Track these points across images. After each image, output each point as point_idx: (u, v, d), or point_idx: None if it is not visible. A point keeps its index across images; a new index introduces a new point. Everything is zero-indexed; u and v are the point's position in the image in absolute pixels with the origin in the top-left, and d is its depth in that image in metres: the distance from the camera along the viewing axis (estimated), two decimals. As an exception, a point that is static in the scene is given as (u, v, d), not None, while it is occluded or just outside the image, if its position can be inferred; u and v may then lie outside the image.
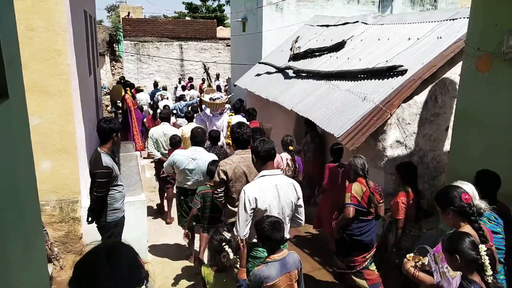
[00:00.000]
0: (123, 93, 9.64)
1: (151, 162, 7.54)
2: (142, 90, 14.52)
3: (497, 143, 4.16)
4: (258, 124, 6.94)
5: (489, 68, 4.19)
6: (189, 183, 4.93)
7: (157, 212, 6.99)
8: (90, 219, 4.11)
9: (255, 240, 3.09)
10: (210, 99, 8.41)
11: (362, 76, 6.70)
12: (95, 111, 7.49)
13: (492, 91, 4.21)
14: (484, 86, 4.28)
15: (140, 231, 5.23)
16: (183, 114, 10.40)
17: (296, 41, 10.72)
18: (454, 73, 5.71)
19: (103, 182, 3.89)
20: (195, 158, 4.89)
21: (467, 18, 4.79)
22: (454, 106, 5.38)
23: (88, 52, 6.78)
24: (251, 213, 3.17)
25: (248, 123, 6.06)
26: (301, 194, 3.41)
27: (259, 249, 3.23)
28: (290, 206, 3.33)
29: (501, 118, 4.12)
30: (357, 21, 9.27)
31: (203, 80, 19.67)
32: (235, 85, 12.48)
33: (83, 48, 6.18)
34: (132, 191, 5.32)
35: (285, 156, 5.55)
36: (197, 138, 5.01)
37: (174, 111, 11.58)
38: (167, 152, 6.53)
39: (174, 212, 6.22)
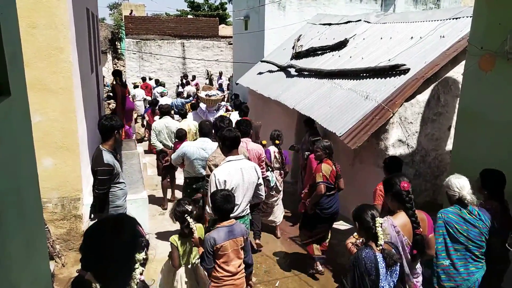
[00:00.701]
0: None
1: (154, 152, 7.93)
2: (138, 86, 15.02)
3: (499, 142, 4.15)
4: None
5: (492, 67, 4.17)
6: (202, 170, 5.12)
7: (159, 211, 7.00)
8: (92, 216, 4.12)
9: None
10: (206, 95, 9.36)
11: (364, 75, 6.68)
12: (97, 108, 7.50)
13: (495, 90, 4.19)
14: (487, 85, 4.27)
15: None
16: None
17: (298, 40, 10.71)
18: (457, 72, 5.69)
19: (104, 180, 3.89)
20: (205, 148, 5.13)
21: (470, 17, 4.77)
22: (457, 105, 5.37)
23: (90, 50, 6.78)
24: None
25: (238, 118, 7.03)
26: (260, 174, 4.06)
27: None
28: (252, 186, 3.93)
29: (504, 117, 4.10)
30: (360, 20, 9.25)
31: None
32: (237, 84, 12.47)
33: (85, 46, 6.18)
34: (134, 189, 5.33)
35: (273, 149, 5.88)
36: (204, 130, 5.34)
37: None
38: (168, 143, 7.17)
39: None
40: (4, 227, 1.54)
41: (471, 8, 4.99)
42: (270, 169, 5.76)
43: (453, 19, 6.56)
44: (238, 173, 3.79)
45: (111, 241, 1.55)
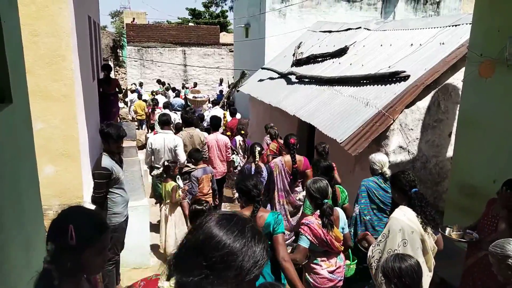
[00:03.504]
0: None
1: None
2: (135, 91, 15.70)
3: (500, 148, 4.15)
4: (237, 121, 9.35)
5: (492, 73, 4.19)
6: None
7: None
8: None
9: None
10: (194, 97, 12.42)
11: (364, 81, 6.70)
12: (98, 116, 7.52)
13: (495, 97, 4.20)
14: (487, 92, 4.28)
15: (143, 236, 5.22)
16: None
17: (298, 47, 10.76)
18: (457, 79, 5.70)
19: (100, 183, 3.88)
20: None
21: (470, 24, 4.80)
22: (457, 112, 5.38)
23: (91, 58, 6.82)
24: (150, 151, 5.95)
25: (230, 118, 9.70)
26: (178, 143, 5.89)
27: None
28: (171, 149, 5.88)
29: (504, 123, 4.11)
30: (360, 27, 9.30)
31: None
32: (238, 91, 12.50)
33: (87, 53, 6.22)
34: (135, 196, 5.32)
35: (238, 138, 7.86)
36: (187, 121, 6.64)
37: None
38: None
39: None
40: (5, 233, 1.54)
41: (470, 15, 5.02)
42: (236, 153, 7.55)
43: (452, 26, 6.59)
44: (162, 140, 5.89)
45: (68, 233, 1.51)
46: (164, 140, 5.90)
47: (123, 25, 23.58)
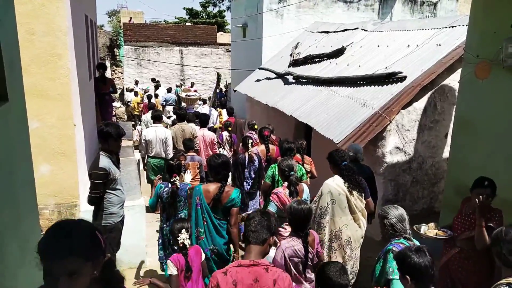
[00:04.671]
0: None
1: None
2: (132, 90, 16.32)
3: (496, 149, 4.17)
4: (234, 119, 9.52)
5: (488, 75, 4.21)
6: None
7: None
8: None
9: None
10: (186, 95, 12.70)
11: (361, 82, 6.72)
12: (95, 115, 7.49)
13: (491, 98, 4.22)
14: (483, 93, 4.30)
15: (139, 235, 5.21)
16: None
17: (296, 47, 10.76)
18: (453, 80, 5.73)
19: (97, 183, 3.87)
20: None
21: (466, 25, 4.81)
22: (454, 112, 5.40)
23: (88, 57, 6.79)
24: (144, 142, 6.80)
25: (227, 116, 10.12)
26: (168, 135, 6.87)
27: None
28: (162, 140, 6.76)
29: (500, 124, 4.12)
30: (357, 28, 9.32)
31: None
32: (234, 91, 12.50)
33: (84, 53, 6.20)
34: (131, 196, 5.31)
35: (225, 134, 8.25)
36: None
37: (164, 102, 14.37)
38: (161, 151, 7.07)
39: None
40: (0, 231, 1.53)
41: (467, 16, 5.04)
42: (222, 147, 8.05)
43: (449, 27, 6.61)
44: (154, 132, 6.81)
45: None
46: (156, 133, 6.83)
47: (120, 24, 23.48)
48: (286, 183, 3.98)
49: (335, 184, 3.86)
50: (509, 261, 2.45)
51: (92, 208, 4.08)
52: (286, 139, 6.08)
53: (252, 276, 2.27)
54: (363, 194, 3.94)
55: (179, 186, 4.55)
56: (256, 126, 7.45)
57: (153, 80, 18.90)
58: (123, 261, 4.94)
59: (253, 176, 5.64)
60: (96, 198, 3.93)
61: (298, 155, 5.50)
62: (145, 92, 15.97)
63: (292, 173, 3.97)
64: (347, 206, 3.84)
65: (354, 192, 3.86)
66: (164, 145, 6.85)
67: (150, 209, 5.15)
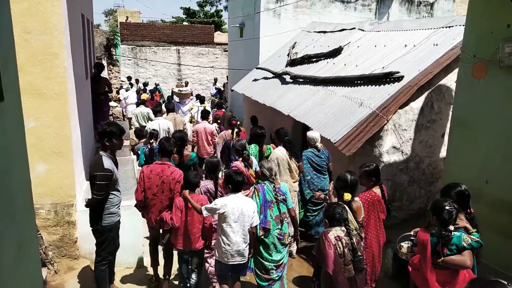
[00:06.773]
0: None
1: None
2: (129, 89, 16.21)
3: (492, 149, 4.18)
4: (222, 113, 10.34)
5: (484, 75, 4.22)
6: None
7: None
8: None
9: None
10: (179, 90, 13.43)
11: (358, 82, 6.72)
12: (91, 114, 7.47)
13: (488, 98, 4.23)
14: (480, 93, 4.31)
15: (136, 235, 5.20)
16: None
17: (293, 47, 10.76)
18: (450, 80, 5.74)
19: (102, 185, 3.86)
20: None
21: (463, 25, 4.82)
22: (450, 112, 5.41)
23: (85, 56, 6.76)
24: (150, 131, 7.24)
25: (215, 110, 11.53)
26: (169, 125, 7.98)
27: None
28: (165, 130, 7.73)
29: (496, 124, 4.14)
30: (354, 28, 9.32)
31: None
32: (232, 90, 12.49)
33: (80, 52, 6.17)
34: (128, 195, 5.29)
35: (215, 125, 9.02)
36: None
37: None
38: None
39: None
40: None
41: (464, 17, 5.05)
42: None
43: (446, 27, 6.63)
44: (158, 124, 7.86)
45: None
46: (159, 124, 7.85)
47: (117, 23, 23.41)
48: (241, 158, 5.28)
49: (280, 152, 5.51)
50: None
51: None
52: (261, 127, 6.62)
53: (160, 168, 4.37)
54: (298, 160, 5.57)
55: (154, 146, 6.27)
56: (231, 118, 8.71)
57: (130, 78, 18.73)
58: (121, 260, 4.93)
59: (236, 158, 6.17)
60: (102, 200, 3.92)
61: (273, 144, 6.20)
62: (145, 85, 16.72)
63: (245, 151, 5.30)
64: (287, 167, 5.50)
65: (293, 159, 5.54)
66: (167, 134, 7.68)
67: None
